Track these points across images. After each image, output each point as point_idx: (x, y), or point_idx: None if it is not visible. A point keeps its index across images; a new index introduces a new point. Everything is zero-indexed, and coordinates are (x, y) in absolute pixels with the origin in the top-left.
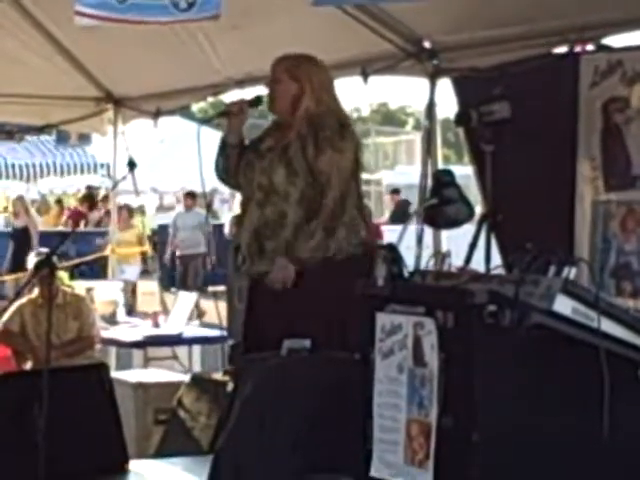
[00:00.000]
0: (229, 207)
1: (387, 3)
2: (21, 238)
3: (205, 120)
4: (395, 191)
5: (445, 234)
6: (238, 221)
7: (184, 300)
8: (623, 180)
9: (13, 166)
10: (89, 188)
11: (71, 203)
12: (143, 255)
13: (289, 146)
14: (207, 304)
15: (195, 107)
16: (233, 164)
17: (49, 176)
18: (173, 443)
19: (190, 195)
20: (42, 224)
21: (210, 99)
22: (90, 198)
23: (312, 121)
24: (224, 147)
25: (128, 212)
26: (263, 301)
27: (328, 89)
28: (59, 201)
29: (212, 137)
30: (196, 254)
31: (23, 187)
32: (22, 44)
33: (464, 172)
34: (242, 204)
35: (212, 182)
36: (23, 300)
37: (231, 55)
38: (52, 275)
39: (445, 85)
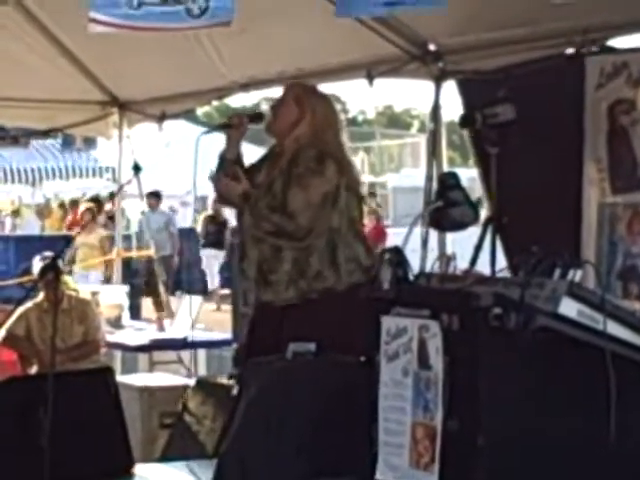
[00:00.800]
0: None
1: (405, 9)
2: None
3: (206, 131)
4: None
5: (450, 237)
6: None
7: (190, 304)
8: (629, 182)
9: (19, 170)
10: (111, 196)
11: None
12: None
13: (273, 182)
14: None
15: (200, 111)
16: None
17: (54, 180)
18: (178, 447)
19: (154, 195)
20: (43, 227)
21: (215, 103)
22: (97, 202)
23: (293, 156)
24: (222, 163)
25: (91, 216)
26: (266, 328)
27: (327, 126)
28: (62, 204)
29: (216, 141)
30: (161, 257)
31: (29, 191)
32: (27, 47)
33: (469, 174)
34: (241, 241)
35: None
36: (28, 304)
37: (236, 59)
38: (57, 279)
39: (450, 87)
